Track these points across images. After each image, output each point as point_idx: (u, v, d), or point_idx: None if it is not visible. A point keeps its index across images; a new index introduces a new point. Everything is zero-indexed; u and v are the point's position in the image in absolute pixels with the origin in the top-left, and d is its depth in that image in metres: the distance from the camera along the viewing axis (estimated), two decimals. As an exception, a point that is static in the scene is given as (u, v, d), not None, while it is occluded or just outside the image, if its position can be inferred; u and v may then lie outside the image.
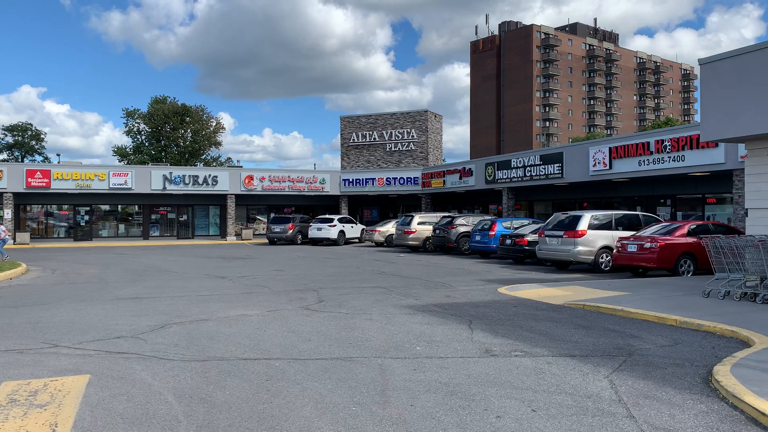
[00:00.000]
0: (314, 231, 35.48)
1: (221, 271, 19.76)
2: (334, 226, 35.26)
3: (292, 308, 11.49)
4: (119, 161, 74.59)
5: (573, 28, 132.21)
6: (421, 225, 28.85)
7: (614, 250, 17.39)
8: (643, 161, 22.91)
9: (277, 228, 36.59)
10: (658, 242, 16.03)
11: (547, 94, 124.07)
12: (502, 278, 16.73)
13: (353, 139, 45.97)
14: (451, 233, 26.46)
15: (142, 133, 77.98)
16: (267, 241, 38.04)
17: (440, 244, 27.30)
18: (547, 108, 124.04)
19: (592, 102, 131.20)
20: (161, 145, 76.85)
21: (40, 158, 78.97)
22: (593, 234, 18.15)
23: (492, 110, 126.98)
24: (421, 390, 6.02)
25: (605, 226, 18.53)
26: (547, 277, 17.19)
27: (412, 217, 29.29)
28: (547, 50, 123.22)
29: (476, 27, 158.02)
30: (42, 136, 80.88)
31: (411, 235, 28.66)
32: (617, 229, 18.55)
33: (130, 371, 6.90)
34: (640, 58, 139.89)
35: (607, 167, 24.55)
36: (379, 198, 46.00)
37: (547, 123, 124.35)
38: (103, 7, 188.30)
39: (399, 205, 46.79)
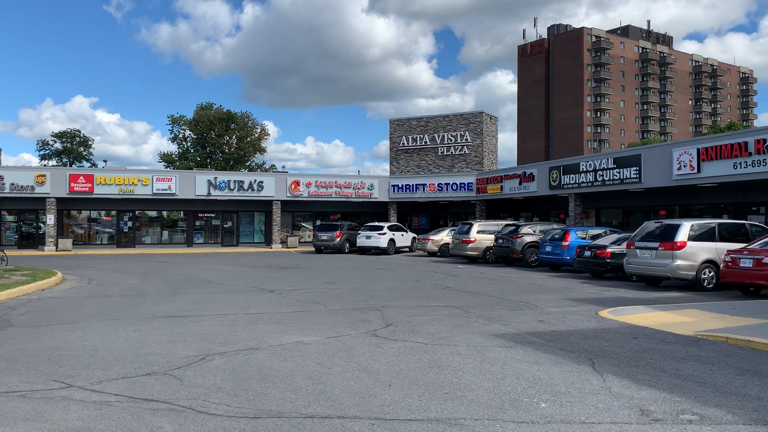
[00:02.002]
0: (363, 239, 33.60)
1: (269, 283, 17.99)
2: (384, 234, 33.30)
3: (356, 334, 9.52)
4: (165, 168, 74.34)
5: (625, 31, 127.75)
6: (481, 234, 26.61)
7: (722, 265, 14.91)
8: (740, 163, 20.24)
9: (324, 236, 34.85)
10: (782, 257, 13.51)
11: (598, 99, 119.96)
12: (590, 297, 14.45)
13: (403, 143, 43.98)
14: (515, 243, 24.16)
15: (188, 139, 77.73)
16: (313, 249, 36.35)
17: (503, 255, 25.01)
18: (599, 113, 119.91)
19: (645, 107, 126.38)
20: (206, 151, 76.38)
21: (88, 165, 79.42)
22: (694, 246, 15.68)
23: (540, 116, 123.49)
24: (586, 491, 3.93)
25: (706, 236, 16.04)
26: (643, 295, 14.82)
27: (471, 225, 27.07)
28: (599, 54, 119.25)
29: (524, 31, 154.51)
30: (90, 142, 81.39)
31: (470, 245, 26.45)
32: (719, 241, 16.04)
33: (156, 435, 5.02)
34: (695, 61, 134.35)
35: (695, 170, 21.92)
36: (429, 205, 43.89)
37: (599, 128, 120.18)
38: (152, 20, 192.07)
39: (450, 213, 44.59)
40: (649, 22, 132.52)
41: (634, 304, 13.11)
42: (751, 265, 14.03)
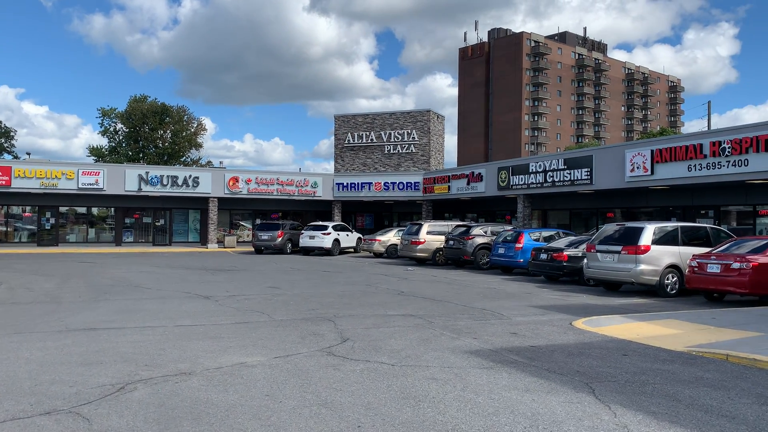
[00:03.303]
0: (306, 239, 32.08)
1: (204, 287, 16.34)
2: (329, 234, 31.88)
3: (308, 352, 8.17)
4: (95, 162, 70.34)
5: (562, 37, 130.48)
6: (431, 235, 25.57)
7: (687, 271, 14.31)
8: (694, 166, 19.94)
9: (264, 235, 33.11)
10: (751, 262, 12.96)
11: (536, 103, 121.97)
12: (555, 304, 13.56)
13: (348, 140, 42.60)
14: (467, 245, 23.24)
15: (119, 133, 73.94)
16: (253, 249, 34.52)
17: (454, 257, 24.05)
18: (536, 117, 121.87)
19: (580, 112, 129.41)
20: (139, 145, 72.87)
21: (10, 157, 74.28)
22: (657, 250, 15.04)
23: (480, 118, 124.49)
24: None
25: (669, 240, 15.45)
26: (608, 302, 14.05)
27: (421, 225, 26.01)
28: (537, 58, 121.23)
29: (465, 33, 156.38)
30: (12, 133, 76.18)
31: (419, 246, 25.37)
32: (682, 245, 15.49)
33: None
34: (628, 69, 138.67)
35: (648, 172, 21.56)
36: (374, 204, 42.70)
37: (536, 132, 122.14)
38: (85, 10, 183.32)
39: (395, 213, 43.57)
40: (585, 29, 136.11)
41: (604, 312, 12.27)
42: (719, 271, 13.44)
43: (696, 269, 13.94)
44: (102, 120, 73.77)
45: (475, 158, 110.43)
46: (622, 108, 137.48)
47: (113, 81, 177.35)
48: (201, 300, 13.73)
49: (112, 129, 73.77)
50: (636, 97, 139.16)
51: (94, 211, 39.24)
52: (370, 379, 6.77)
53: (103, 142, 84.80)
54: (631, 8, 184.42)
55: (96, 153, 73.09)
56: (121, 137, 74.01)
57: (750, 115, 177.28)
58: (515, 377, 6.86)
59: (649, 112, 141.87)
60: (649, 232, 15.21)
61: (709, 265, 13.69)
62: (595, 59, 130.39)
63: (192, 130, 74.85)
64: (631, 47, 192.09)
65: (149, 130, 71.62)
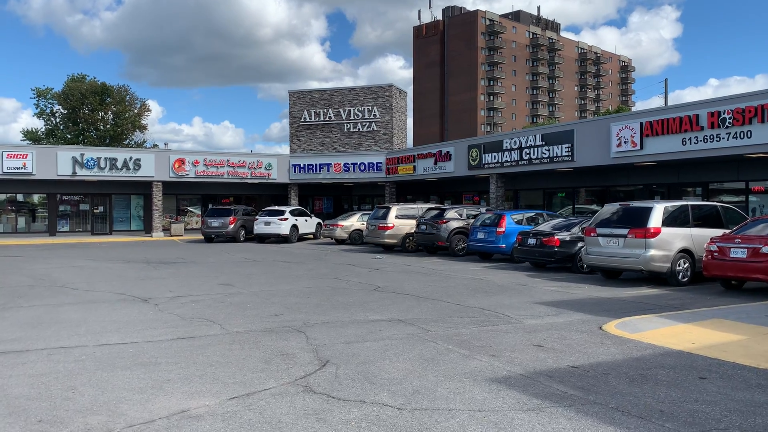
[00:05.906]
0: (261, 225, 29.51)
1: (143, 286, 13.78)
2: (286, 219, 29.38)
3: (277, 388, 5.90)
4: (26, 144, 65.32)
5: (516, 16, 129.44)
6: (400, 219, 23.35)
7: (704, 256, 12.55)
8: (689, 139, 18.27)
9: (215, 222, 30.35)
10: (784, 245, 11.25)
11: (491, 83, 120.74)
12: (560, 299, 11.59)
13: (304, 118, 39.80)
14: (441, 229, 21.14)
15: (57, 114, 68.98)
16: (202, 237, 31.72)
17: (426, 243, 21.93)
18: (492, 97, 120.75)
19: (535, 92, 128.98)
20: (78, 128, 68.16)
21: (-67, 141, 68.56)
22: (668, 233, 13.24)
23: (435, 99, 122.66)
24: None
25: (680, 221, 13.68)
26: (615, 294, 12.18)
27: (388, 208, 23.76)
28: (492, 37, 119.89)
29: (419, 12, 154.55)
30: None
31: (387, 232, 23.15)
32: (693, 227, 13.76)
33: None
34: (581, 48, 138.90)
35: (637, 147, 19.84)
36: (333, 187, 40.25)
37: (492, 112, 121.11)
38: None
39: (355, 195, 41.24)
40: (539, 8, 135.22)
41: (621, 307, 10.40)
42: (745, 256, 11.70)
43: (716, 254, 12.19)
44: (38, 101, 68.82)
45: (431, 139, 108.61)
46: (576, 88, 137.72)
47: (54, 63, 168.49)
48: (137, 304, 11.23)
49: (48, 111, 68.84)
50: (589, 76, 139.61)
51: (24, 198, 35.64)
52: (375, 440, 4.55)
53: (39, 124, 79.54)
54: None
55: (31, 136, 68.05)
56: (58, 119, 69.17)
57: (691, 96, 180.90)
58: (582, 427, 4.74)
59: (601, 92, 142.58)
60: (658, 212, 13.37)
61: (732, 249, 11.95)
62: (549, 38, 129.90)
63: (135, 111, 70.55)
64: (579, 29, 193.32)
65: (89, 112, 67.05)
